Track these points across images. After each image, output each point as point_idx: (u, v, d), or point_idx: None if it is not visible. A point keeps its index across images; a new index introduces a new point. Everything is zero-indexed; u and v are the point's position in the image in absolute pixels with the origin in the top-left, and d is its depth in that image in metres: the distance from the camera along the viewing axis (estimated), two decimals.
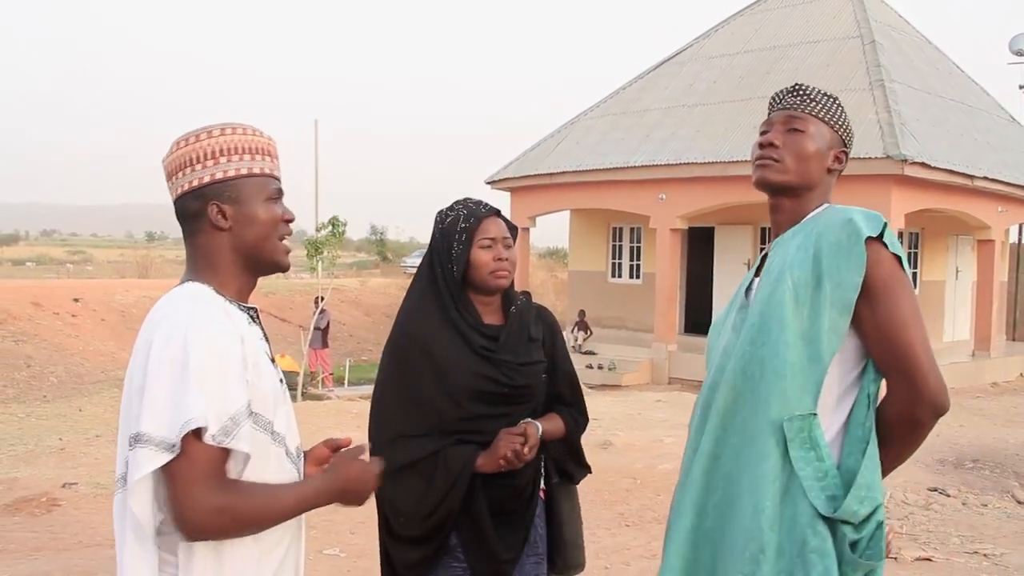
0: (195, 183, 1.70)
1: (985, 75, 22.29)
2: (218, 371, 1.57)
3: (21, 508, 6.31)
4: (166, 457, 1.52)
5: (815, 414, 1.85)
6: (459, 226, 2.42)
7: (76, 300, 17.66)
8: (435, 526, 2.35)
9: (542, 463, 2.57)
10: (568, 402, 2.65)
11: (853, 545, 1.81)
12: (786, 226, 2.07)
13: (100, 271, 36.19)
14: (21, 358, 13.66)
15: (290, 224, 1.80)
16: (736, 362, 1.95)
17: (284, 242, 1.80)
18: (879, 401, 1.91)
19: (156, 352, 1.56)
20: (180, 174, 1.72)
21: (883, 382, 1.91)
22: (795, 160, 2.04)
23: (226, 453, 1.59)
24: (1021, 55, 24.49)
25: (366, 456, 1.86)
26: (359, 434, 2.27)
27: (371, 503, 2.48)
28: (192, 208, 1.72)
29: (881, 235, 1.86)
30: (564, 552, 2.61)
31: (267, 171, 1.75)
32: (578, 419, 2.66)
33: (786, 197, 2.07)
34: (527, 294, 2.63)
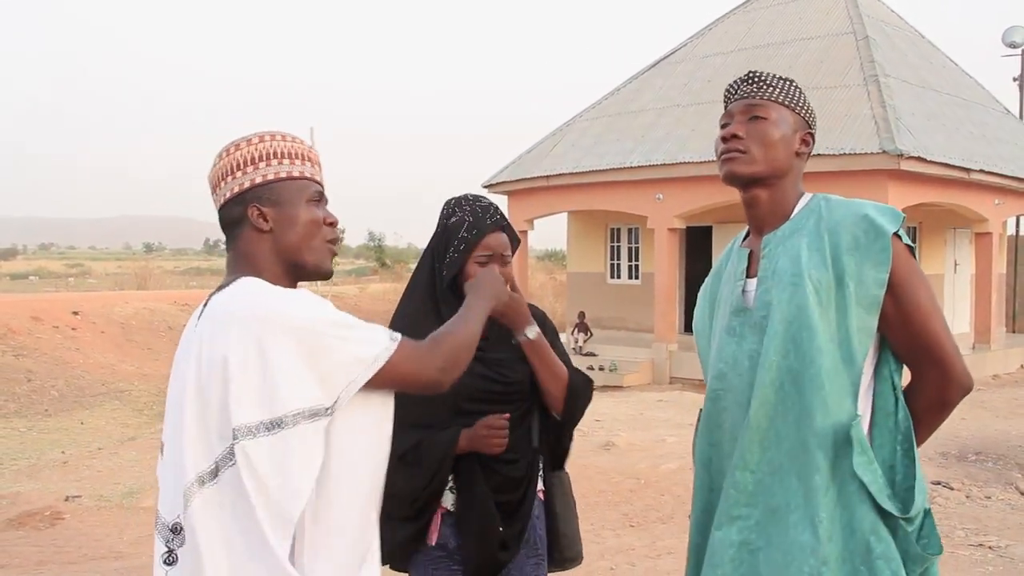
0: (236, 189, 1.73)
1: (979, 68, 22.33)
2: (339, 315, 1.67)
3: (25, 522, 6.31)
4: (323, 422, 1.61)
5: (859, 415, 1.83)
6: (460, 233, 2.41)
7: (75, 313, 17.63)
8: (421, 508, 2.40)
9: (539, 460, 2.56)
10: None
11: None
12: (768, 220, 2.01)
13: (100, 284, 36.15)
14: (22, 372, 13.63)
15: (335, 227, 1.81)
16: (765, 374, 1.87)
17: (329, 246, 1.81)
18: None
19: (269, 338, 1.57)
20: (222, 183, 1.74)
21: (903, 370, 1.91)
22: (761, 148, 1.96)
23: (404, 338, 1.75)
24: (1014, 47, 24.53)
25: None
26: None
27: None
28: (234, 214, 1.74)
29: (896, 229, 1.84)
30: (560, 546, 2.61)
31: (307, 175, 1.77)
32: (581, 376, 2.56)
33: (759, 188, 2.00)
34: None
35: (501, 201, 19.52)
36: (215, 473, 1.59)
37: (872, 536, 1.77)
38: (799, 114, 2.02)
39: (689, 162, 15.55)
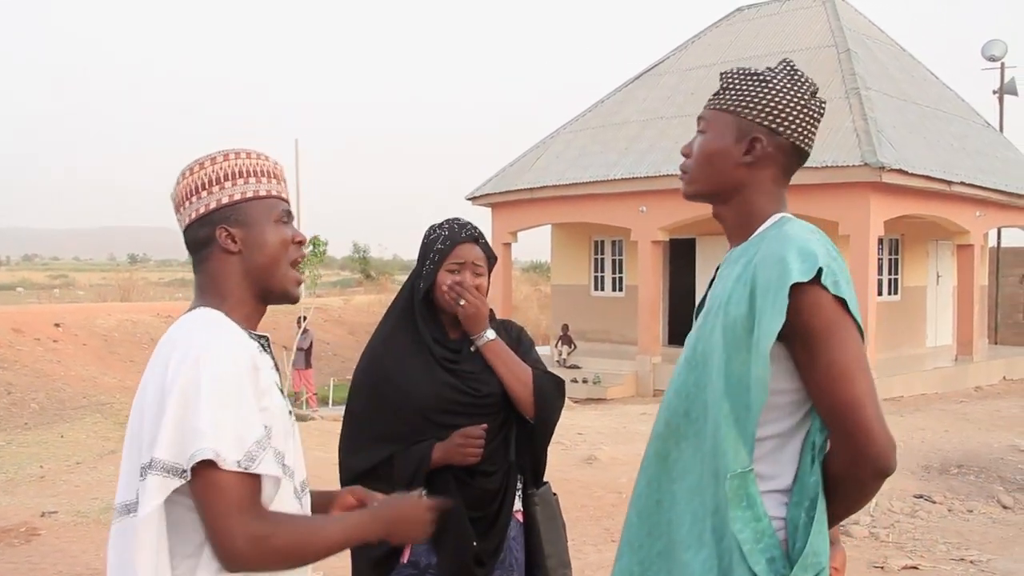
0: (202, 210, 1.69)
1: (959, 81, 22.52)
2: (235, 396, 1.53)
3: None
4: (175, 483, 1.48)
5: (751, 469, 1.66)
6: (436, 246, 2.49)
7: (57, 325, 17.50)
8: None
9: (516, 476, 2.55)
10: None
11: None
12: (735, 235, 1.87)
13: (86, 295, 35.91)
14: (1, 385, 13.49)
15: (302, 246, 1.79)
16: (678, 401, 1.76)
17: (295, 271, 1.77)
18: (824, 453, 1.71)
19: (171, 377, 1.52)
20: (187, 203, 1.71)
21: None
22: (697, 166, 1.84)
23: (256, 480, 1.54)
24: (994, 61, 24.75)
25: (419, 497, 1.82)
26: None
27: None
28: (201, 235, 1.70)
29: (819, 277, 1.60)
30: (545, 566, 2.58)
31: (274, 193, 1.74)
32: (549, 376, 2.55)
33: (717, 206, 1.87)
34: (490, 311, 2.65)
35: (485, 213, 19.53)
36: (132, 507, 1.55)
37: None
38: (745, 117, 1.77)
39: (673, 174, 15.52)
